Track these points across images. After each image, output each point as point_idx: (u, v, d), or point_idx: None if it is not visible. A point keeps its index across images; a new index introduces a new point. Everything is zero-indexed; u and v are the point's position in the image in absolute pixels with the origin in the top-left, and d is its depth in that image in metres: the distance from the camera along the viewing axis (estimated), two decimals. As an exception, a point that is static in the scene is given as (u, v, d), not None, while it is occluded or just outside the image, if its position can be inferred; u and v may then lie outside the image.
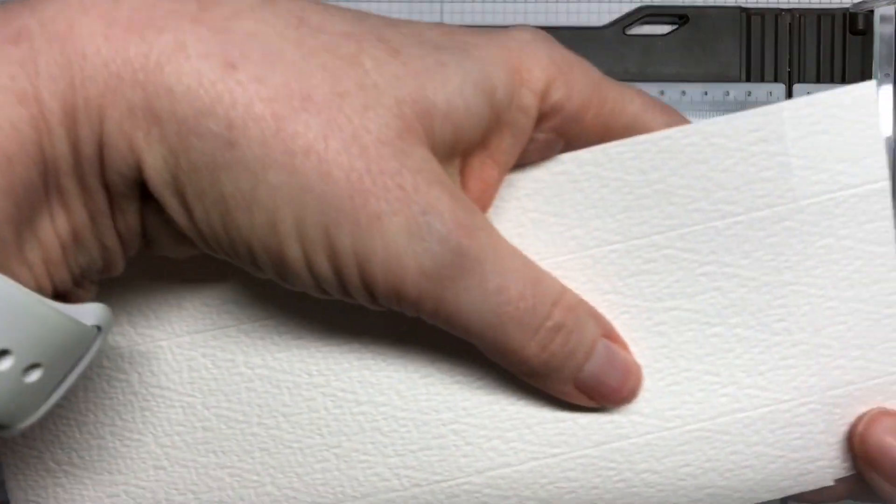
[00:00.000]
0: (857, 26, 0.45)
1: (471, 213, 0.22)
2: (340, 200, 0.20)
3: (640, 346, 0.25)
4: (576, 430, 0.25)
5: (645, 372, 0.25)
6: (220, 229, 0.21)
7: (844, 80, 0.45)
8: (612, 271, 0.24)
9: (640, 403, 0.25)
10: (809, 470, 0.25)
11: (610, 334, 0.25)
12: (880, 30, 0.45)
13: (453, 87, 0.22)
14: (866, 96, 0.24)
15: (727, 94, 0.45)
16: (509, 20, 0.46)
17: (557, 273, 0.24)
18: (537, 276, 0.23)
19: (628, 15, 0.45)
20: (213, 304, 0.25)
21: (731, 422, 0.25)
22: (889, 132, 0.44)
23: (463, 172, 0.23)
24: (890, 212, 0.24)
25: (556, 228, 0.24)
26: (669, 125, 0.25)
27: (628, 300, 0.25)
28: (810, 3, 0.46)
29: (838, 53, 0.45)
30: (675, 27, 0.45)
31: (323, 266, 0.21)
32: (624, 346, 0.25)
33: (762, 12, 0.45)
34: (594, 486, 0.25)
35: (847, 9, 0.45)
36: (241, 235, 0.21)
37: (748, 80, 0.45)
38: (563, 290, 0.23)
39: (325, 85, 0.20)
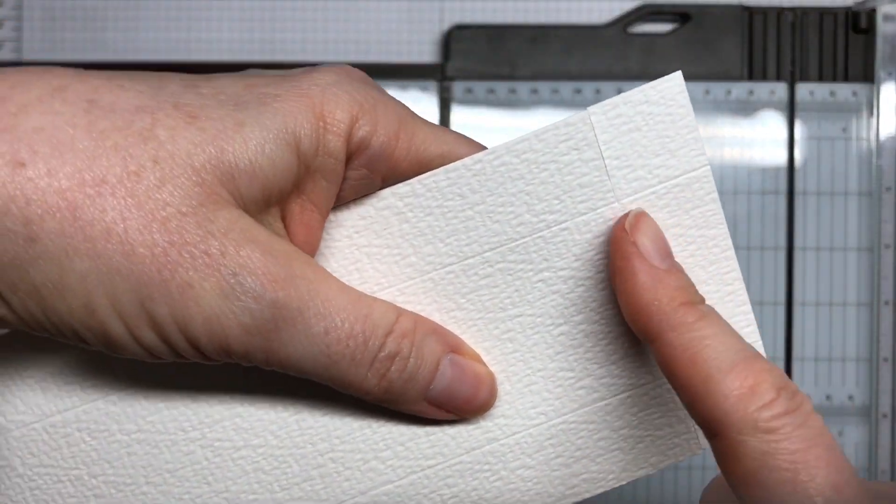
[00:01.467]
0: (859, 24, 0.45)
1: (286, 264, 0.22)
2: (149, 276, 0.21)
3: (493, 354, 0.26)
4: (447, 440, 0.26)
5: (502, 377, 0.26)
6: (41, 317, 0.22)
7: (847, 79, 0.45)
8: (452, 290, 0.25)
9: (503, 406, 0.26)
10: (676, 444, 0.26)
11: (457, 348, 0.25)
12: (883, 28, 0.44)
13: (255, 146, 0.22)
14: (674, 87, 0.25)
15: (729, 92, 0.45)
16: (510, 18, 0.46)
17: (400, 300, 0.25)
18: (367, 311, 0.24)
19: (630, 13, 0.45)
20: (74, 380, 0.26)
21: (593, 411, 0.26)
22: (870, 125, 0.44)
23: (284, 218, 0.24)
24: (716, 195, 0.25)
25: (391, 259, 0.25)
26: None
27: (473, 314, 0.26)
28: (813, 1, 0.46)
29: (841, 52, 0.45)
30: (676, 25, 0.45)
31: (148, 337, 0.22)
32: (474, 357, 0.26)
33: (764, 10, 0.45)
34: (473, 488, 0.26)
35: (850, 7, 0.45)
36: (63, 320, 0.22)
37: (750, 78, 0.45)
38: (398, 318, 0.24)
39: (117, 166, 0.21)
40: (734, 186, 0.45)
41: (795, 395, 0.22)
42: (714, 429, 0.22)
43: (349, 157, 0.24)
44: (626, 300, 0.23)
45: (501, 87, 0.44)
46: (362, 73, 0.25)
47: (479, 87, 0.44)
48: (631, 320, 0.24)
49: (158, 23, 0.46)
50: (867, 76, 0.45)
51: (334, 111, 0.23)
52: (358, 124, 0.23)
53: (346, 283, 0.24)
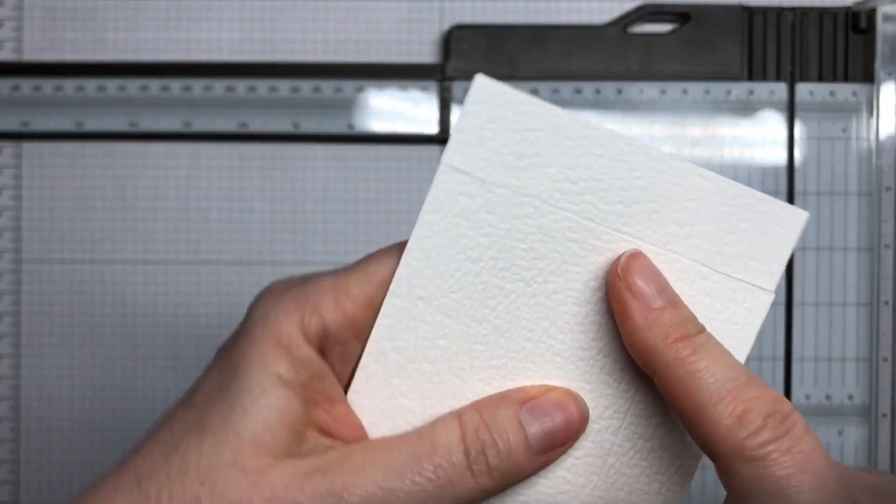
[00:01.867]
0: (859, 25, 0.45)
1: (342, 480, 0.24)
2: None
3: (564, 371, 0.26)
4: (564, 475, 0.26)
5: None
6: None
7: (847, 79, 0.45)
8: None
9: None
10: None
11: (523, 396, 0.26)
12: (882, 28, 0.44)
13: (253, 416, 0.24)
14: (798, 218, 0.26)
15: (729, 92, 0.45)
16: (510, 18, 0.46)
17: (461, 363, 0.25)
18: (432, 441, 0.24)
19: (629, 13, 0.45)
20: None
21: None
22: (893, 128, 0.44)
23: (323, 430, 0.25)
24: (762, 319, 0.26)
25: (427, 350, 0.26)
26: None
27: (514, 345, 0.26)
28: (812, 1, 0.46)
29: (840, 52, 0.45)
30: (676, 25, 0.45)
31: None
32: (542, 390, 0.26)
33: (764, 10, 0.45)
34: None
35: (849, 7, 0.45)
36: None
37: (750, 78, 0.45)
38: (461, 420, 0.25)
39: None
40: (734, 186, 0.45)
41: (786, 419, 0.22)
42: (710, 455, 0.23)
43: (322, 350, 0.25)
44: (626, 341, 0.24)
45: (501, 87, 0.44)
46: (279, 281, 0.26)
47: (479, 87, 0.44)
48: (634, 358, 0.25)
49: (159, 23, 0.46)
50: (867, 76, 0.45)
51: (286, 332, 0.24)
52: (306, 323, 0.24)
53: (397, 432, 0.25)
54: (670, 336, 0.24)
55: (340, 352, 0.25)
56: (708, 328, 0.25)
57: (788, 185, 0.45)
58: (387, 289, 0.25)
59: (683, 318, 0.24)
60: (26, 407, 0.46)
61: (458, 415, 0.25)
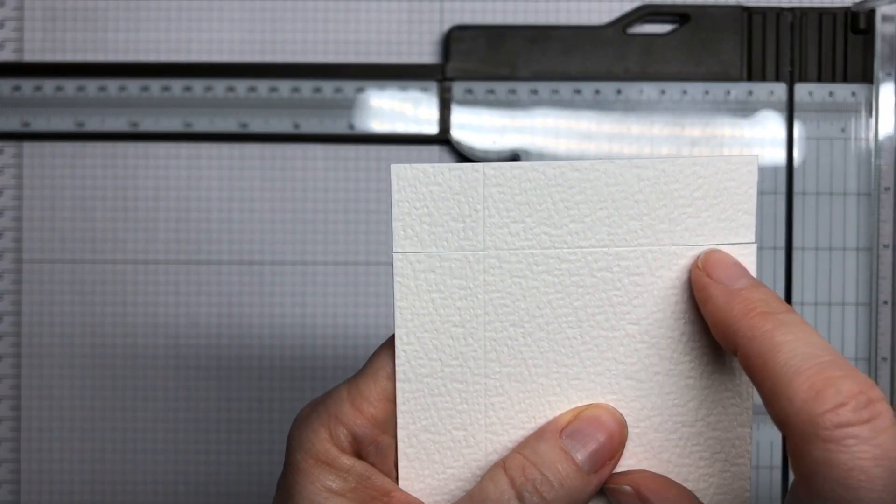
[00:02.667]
0: (858, 25, 0.45)
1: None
2: None
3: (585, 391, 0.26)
4: None
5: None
6: None
7: (846, 79, 0.45)
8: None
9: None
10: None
11: (558, 425, 0.26)
12: (882, 29, 0.45)
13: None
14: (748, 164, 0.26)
15: (728, 93, 0.45)
16: (509, 19, 0.46)
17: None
18: (482, 497, 0.25)
19: (629, 14, 0.45)
20: None
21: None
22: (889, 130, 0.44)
23: (374, 462, 0.26)
24: (754, 270, 0.26)
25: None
26: None
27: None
28: (812, 1, 0.46)
29: (840, 52, 0.45)
30: (676, 26, 0.45)
31: None
32: (575, 414, 0.26)
33: (763, 11, 0.45)
34: None
35: (848, 7, 0.45)
36: None
37: (749, 79, 0.45)
38: (504, 469, 0.25)
39: None
40: (733, 186, 0.45)
41: (871, 404, 0.20)
42: (782, 430, 0.22)
43: (358, 454, 0.26)
44: (710, 322, 0.24)
45: (501, 88, 0.45)
46: (304, 407, 0.27)
47: (479, 87, 0.45)
48: (718, 338, 0.24)
49: (159, 23, 0.46)
50: (866, 76, 0.45)
51: (321, 449, 0.26)
52: (335, 435, 0.26)
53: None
54: (753, 311, 0.23)
55: (375, 449, 0.26)
56: None
57: (787, 185, 0.45)
58: (395, 380, 0.26)
59: (767, 296, 0.24)
60: (27, 406, 0.46)
61: (502, 463, 0.25)
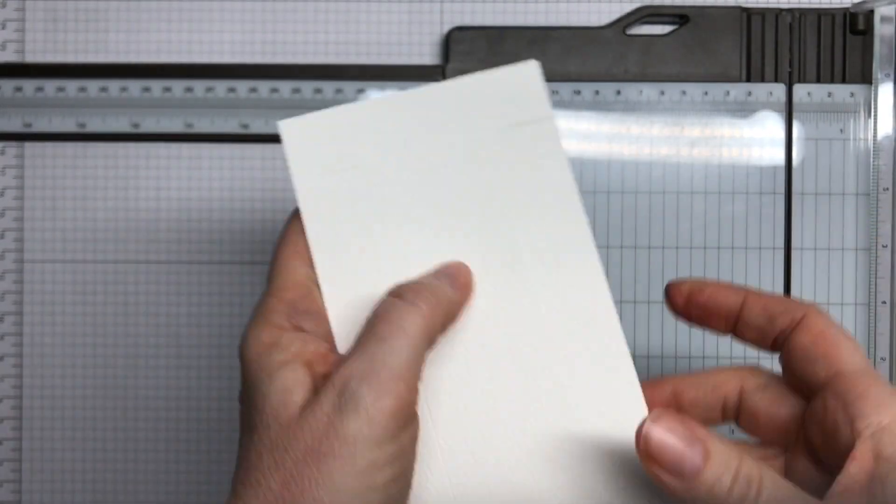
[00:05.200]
0: (857, 26, 0.45)
1: None
2: None
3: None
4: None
5: None
6: None
7: (844, 80, 0.45)
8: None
9: None
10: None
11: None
12: (880, 30, 0.45)
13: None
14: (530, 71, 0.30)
15: (727, 93, 0.45)
16: (509, 20, 0.46)
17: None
18: None
19: (628, 15, 0.45)
20: None
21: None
22: (890, 131, 0.44)
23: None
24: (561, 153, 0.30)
25: None
26: None
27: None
28: (810, 2, 0.46)
29: (838, 53, 0.45)
30: (675, 27, 0.46)
31: None
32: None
33: (762, 12, 0.45)
34: None
35: (847, 9, 0.45)
36: None
37: (748, 79, 0.45)
38: None
39: None
40: (732, 187, 0.45)
41: None
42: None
43: (297, 327, 0.29)
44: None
45: (501, 89, 0.45)
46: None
47: (479, 88, 0.45)
48: None
49: (160, 24, 0.46)
50: (865, 77, 0.45)
51: (261, 338, 0.29)
52: (277, 325, 0.29)
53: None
54: (719, 492, 0.24)
55: (310, 317, 0.29)
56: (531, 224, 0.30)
57: (786, 185, 0.45)
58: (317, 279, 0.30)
59: (722, 468, 0.24)
60: (29, 406, 0.46)
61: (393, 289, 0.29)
